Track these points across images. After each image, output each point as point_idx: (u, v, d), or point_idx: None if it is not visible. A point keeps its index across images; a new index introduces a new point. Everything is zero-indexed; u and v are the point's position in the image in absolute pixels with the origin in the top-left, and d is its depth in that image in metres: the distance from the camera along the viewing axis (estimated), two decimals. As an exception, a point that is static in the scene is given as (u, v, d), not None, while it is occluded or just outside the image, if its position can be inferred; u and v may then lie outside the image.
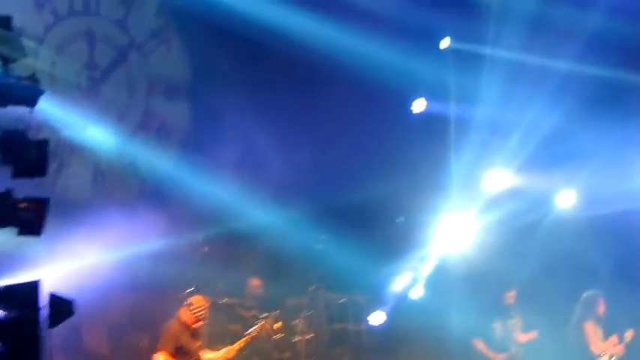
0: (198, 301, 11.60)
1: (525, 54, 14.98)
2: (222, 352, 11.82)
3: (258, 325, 11.83)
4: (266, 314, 12.74)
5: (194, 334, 11.64)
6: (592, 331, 13.40)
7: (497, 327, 13.63)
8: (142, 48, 15.76)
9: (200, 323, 11.62)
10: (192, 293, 12.15)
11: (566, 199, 15.39)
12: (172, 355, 11.34)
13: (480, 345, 13.62)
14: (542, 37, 14.86)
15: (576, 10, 14.64)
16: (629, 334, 13.38)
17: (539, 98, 14.76)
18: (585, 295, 13.60)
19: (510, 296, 13.82)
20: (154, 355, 11.43)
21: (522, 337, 13.71)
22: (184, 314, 11.54)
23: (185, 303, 11.65)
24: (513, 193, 15.22)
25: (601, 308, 13.47)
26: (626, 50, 14.59)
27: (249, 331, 11.81)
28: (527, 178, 15.10)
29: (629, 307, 13.99)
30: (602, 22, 14.48)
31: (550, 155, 14.92)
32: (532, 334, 13.73)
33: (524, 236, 15.18)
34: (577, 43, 14.71)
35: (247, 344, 12.07)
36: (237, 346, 11.77)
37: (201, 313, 11.55)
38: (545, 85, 14.86)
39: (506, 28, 14.92)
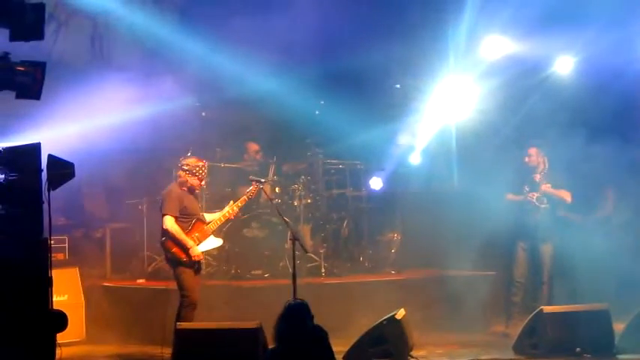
0: (196, 163, 11.69)
1: None
2: (224, 211, 11.86)
3: (256, 186, 11.86)
4: (264, 179, 12.75)
5: (195, 195, 11.79)
6: None
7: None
8: None
9: (200, 183, 11.75)
10: (188, 157, 12.23)
11: (564, 65, 15.27)
12: (177, 218, 11.49)
13: (510, 196, 13.36)
14: None
15: None
16: None
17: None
18: None
19: (531, 152, 13.35)
20: (163, 218, 11.50)
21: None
22: (184, 176, 11.65)
23: (183, 166, 11.74)
24: (512, 59, 15.10)
25: None
26: None
27: (248, 191, 11.85)
28: (526, 44, 14.95)
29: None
30: None
31: (549, 21, 14.73)
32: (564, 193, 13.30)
33: (522, 101, 15.09)
34: None
35: (245, 205, 12.13)
36: (236, 205, 11.82)
37: (201, 173, 11.67)
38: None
39: None
